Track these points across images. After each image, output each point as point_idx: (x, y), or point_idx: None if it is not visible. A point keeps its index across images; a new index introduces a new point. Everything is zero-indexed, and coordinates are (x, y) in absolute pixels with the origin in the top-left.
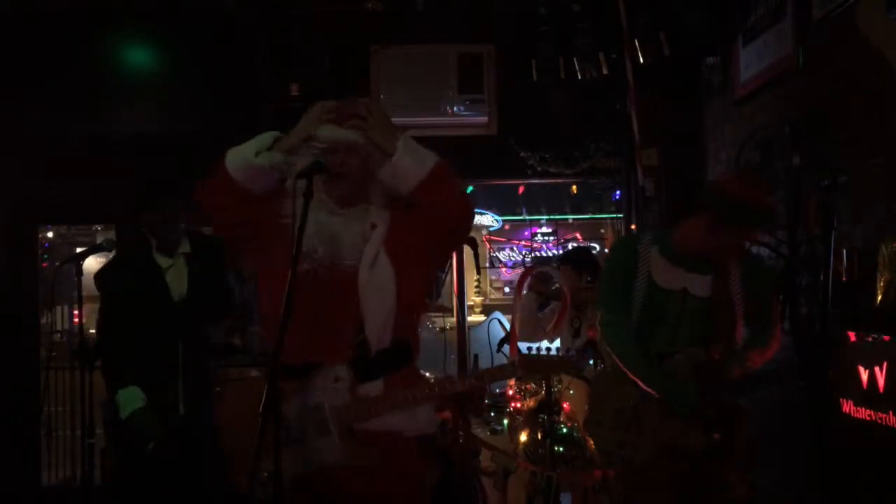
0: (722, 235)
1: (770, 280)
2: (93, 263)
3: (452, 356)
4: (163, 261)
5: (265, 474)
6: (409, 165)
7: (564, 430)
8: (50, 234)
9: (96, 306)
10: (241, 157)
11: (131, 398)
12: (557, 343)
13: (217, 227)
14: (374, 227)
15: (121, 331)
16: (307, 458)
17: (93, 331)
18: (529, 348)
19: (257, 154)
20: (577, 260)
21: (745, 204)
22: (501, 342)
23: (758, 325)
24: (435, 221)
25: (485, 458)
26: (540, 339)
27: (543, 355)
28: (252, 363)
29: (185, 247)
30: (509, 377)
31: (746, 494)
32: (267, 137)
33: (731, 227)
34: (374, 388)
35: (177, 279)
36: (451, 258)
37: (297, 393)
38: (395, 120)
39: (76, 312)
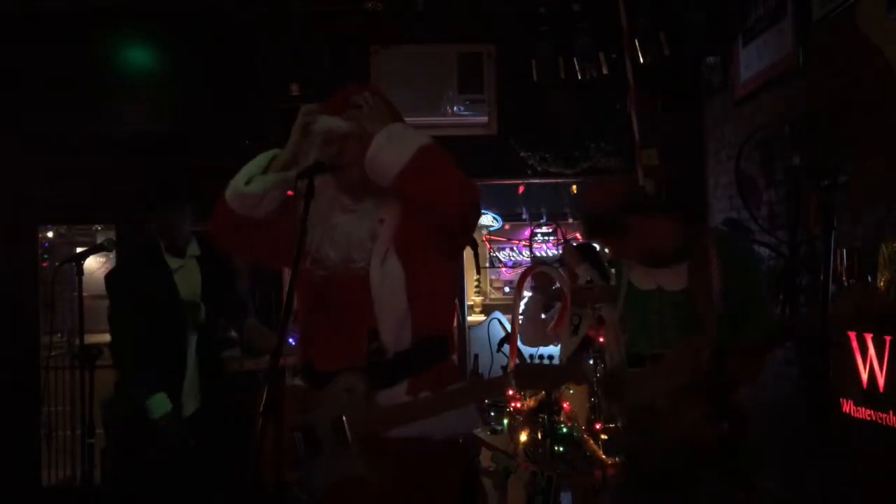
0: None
1: (753, 270)
2: (93, 263)
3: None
4: (173, 262)
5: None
6: (386, 157)
7: (564, 430)
8: (50, 234)
9: (95, 305)
10: (233, 188)
11: (162, 402)
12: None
13: (231, 255)
14: (381, 222)
15: (134, 332)
16: (328, 470)
17: (92, 332)
18: (532, 356)
19: (248, 182)
20: (582, 246)
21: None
22: (501, 342)
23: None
24: (425, 213)
25: (485, 458)
26: (543, 344)
27: (543, 365)
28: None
29: (194, 249)
30: (504, 389)
31: (748, 495)
32: (261, 160)
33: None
34: (396, 393)
35: (186, 280)
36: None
37: (319, 403)
38: None
39: (76, 312)
